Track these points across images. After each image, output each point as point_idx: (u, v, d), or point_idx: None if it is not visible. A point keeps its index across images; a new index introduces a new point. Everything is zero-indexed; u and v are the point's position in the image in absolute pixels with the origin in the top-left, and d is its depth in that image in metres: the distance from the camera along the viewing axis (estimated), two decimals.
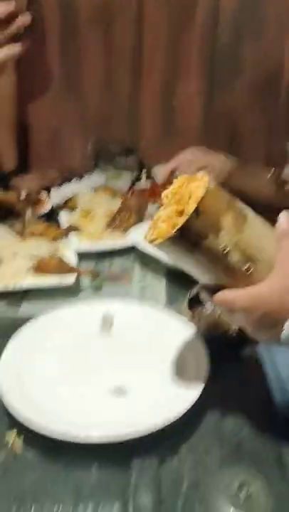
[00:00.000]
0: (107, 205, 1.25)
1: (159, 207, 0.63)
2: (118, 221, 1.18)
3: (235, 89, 1.58)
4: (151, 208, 1.32)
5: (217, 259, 0.57)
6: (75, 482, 0.60)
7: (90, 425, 0.65)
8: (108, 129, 1.76)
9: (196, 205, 0.55)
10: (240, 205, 0.60)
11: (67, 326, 0.85)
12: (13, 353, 0.78)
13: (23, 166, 1.70)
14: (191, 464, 0.62)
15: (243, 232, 0.58)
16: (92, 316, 0.87)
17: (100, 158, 1.76)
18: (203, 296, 0.63)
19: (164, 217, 0.59)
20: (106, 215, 1.22)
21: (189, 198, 0.57)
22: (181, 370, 0.75)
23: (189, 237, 0.56)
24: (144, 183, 1.58)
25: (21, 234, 1.10)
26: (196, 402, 0.66)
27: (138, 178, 1.62)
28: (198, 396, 0.67)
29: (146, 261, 1.09)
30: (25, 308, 0.97)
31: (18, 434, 0.65)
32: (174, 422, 0.64)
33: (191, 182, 0.59)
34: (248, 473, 0.59)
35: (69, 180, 1.58)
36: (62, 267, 0.98)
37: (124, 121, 1.76)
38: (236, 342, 0.79)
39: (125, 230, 1.18)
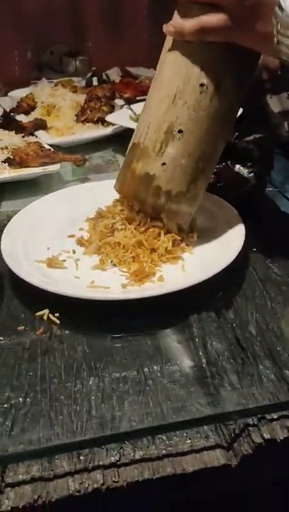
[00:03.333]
0: (71, 98, 1.11)
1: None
2: (89, 111, 1.05)
3: None
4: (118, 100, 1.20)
5: None
6: (132, 348, 0.51)
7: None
8: (49, 31, 1.57)
9: None
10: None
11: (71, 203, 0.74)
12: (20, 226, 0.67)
13: None
14: (252, 311, 0.55)
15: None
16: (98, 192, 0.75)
17: (45, 65, 1.58)
18: None
19: None
20: (73, 108, 1.08)
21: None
22: (216, 232, 0.66)
23: None
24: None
25: None
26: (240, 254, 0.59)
27: (90, 84, 1.46)
28: (240, 247, 0.60)
29: None
30: (6, 207, 0.84)
31: (52, 313, 0.55)
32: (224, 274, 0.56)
33: None
34: None
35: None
36: (44, 155, 0.84)
37: (67, 19, 1.57)
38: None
39: (99, 120, 1.05)
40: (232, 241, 0.62)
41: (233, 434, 0.42)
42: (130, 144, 0.64)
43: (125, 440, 0.42)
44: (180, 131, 0.59)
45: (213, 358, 0.48)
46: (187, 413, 0.43)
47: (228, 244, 0.62)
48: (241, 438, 0.42)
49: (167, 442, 0.42)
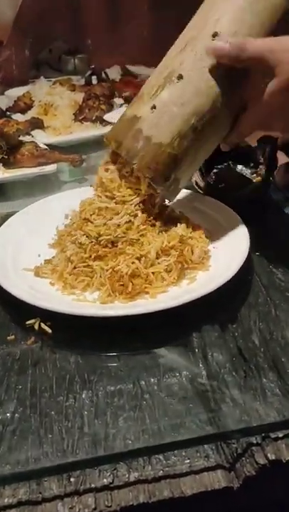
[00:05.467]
0: (69, 97, 1.08)
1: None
2: (87, 110, 1.02)
3: None
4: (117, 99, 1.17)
5: None
6: (127, 359, 0.48)
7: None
8: (48, 28, 1.54)
9: None
10: None
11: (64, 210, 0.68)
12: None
13: None
14: (255, 320, 0.52)
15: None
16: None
17: (43, 63, 1.55)
18: None
19: None
20: (71, 107, 1.05)
21: None
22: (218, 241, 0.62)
23: None
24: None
25: None
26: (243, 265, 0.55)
27: (89, 83, 1.44)
28: (245, 257, 0.57)
29: None
30: (1, 209, 0.81)
31: (43, 321, 0.52)
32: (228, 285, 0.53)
33: None
34: None
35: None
36: (39, 155, 0.82)
37: (66, 17, 1.54)
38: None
39: (97, 119, 1.02)
40: (235, 254, 0.57)
41: (235, 454, 0.39)
42: None
43: (119, 460, 0.39)
44: (180, 77, 0.54)
45: (214, 371, 0.46)
46: (186, 431, 0.41)
47: (231, 257, 0.57)
48: (244, 458, 0.39)
49: (164, 462, 0.39)
